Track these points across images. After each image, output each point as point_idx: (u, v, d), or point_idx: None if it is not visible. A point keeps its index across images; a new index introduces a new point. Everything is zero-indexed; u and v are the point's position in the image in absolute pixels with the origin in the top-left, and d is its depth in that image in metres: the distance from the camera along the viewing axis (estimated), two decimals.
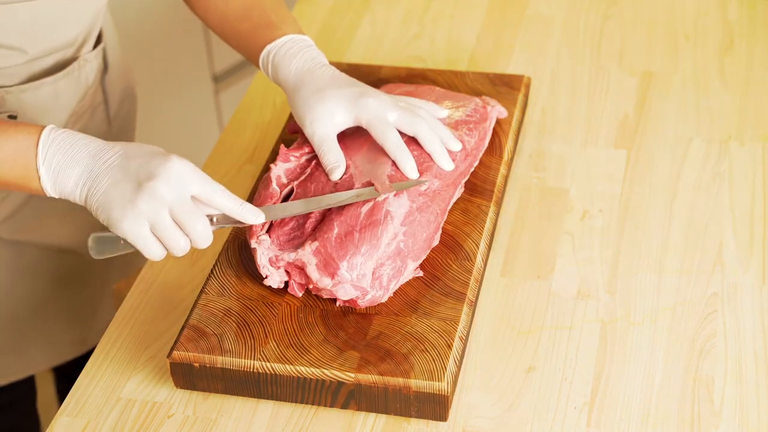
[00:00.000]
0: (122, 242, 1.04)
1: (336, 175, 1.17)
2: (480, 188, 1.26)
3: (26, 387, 1.54)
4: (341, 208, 1.14)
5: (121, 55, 1.45)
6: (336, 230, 1.12)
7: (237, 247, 1.19)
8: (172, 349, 1.09)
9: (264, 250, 1.12)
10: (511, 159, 1.33)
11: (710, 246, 1.24)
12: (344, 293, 1.11)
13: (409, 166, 1.18)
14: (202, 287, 1.16)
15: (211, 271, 1.17)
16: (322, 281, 1.10)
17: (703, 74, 1.49)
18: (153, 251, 1.04)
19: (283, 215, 1.13)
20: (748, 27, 1.57)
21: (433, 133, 1.20)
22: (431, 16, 1.63)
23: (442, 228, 1.20)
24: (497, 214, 1.25)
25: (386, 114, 1.18)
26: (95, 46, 1.32)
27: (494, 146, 1.31)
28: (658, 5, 1.62)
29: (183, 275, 1.24)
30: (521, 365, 1.12)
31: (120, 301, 1.34)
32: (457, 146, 1.22)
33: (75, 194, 1.04)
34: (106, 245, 1.05)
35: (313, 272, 1.10)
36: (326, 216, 1.15)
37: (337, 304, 1.12)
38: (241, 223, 1.08)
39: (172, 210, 1.02)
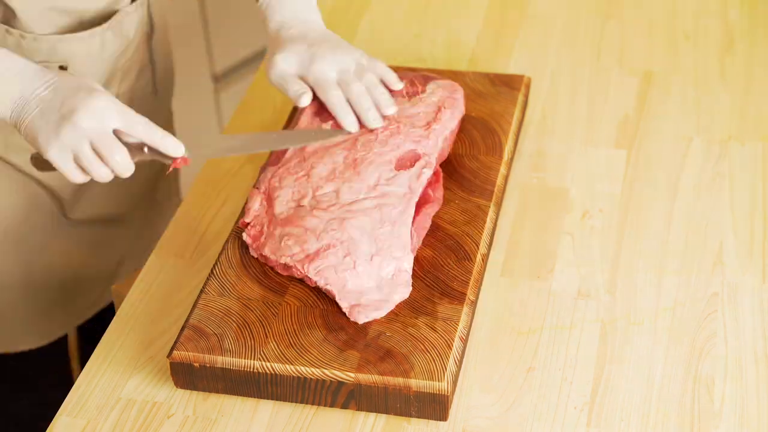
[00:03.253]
0: None
1: (304, 101, 1.25)
2: (480, 188, 1.26)
3: (58, 352, 1.56)
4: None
5: (165, 19, 1.46)
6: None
7: (237, 247, 1.19)
8: (172, 349, 1.09)
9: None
10: (511, 159, 1.33)
11: (710, 246, 1.24)
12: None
13: (348, 121, 1.24)
14: (202, 287, 1.16)
15: (211, 271, 1.17)
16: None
17: (703, 74, 1.49)
18: (75, 177, 1.12)
19: (211, 153, 1.21)
20: (748, 27, 1.57)
21: (363, 95, 1.25)
22: (431, 16, 1.63)
23: (442, 228, 1.20)
24: (497, 214, 1.25)
25: (328, 74, 1.25)
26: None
27: (494, 146, 1.31)
28: (659, 5, 1.62)
29: (183, 275, 1.24)
30: (521, 365, 1.12)
31: (120, 301, 1.34)
32: (390, 110, 1.26)
33: (5, 116, 1.11)
34: (43, 162, 1.14)
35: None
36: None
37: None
38: (166, 156, 1.14)
39: (92, 141, 1.10)
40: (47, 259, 1.44)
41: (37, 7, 1.23)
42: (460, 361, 1.10)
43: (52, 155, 1.10)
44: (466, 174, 1.27)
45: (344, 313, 1.12)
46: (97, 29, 1.28)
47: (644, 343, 1.14)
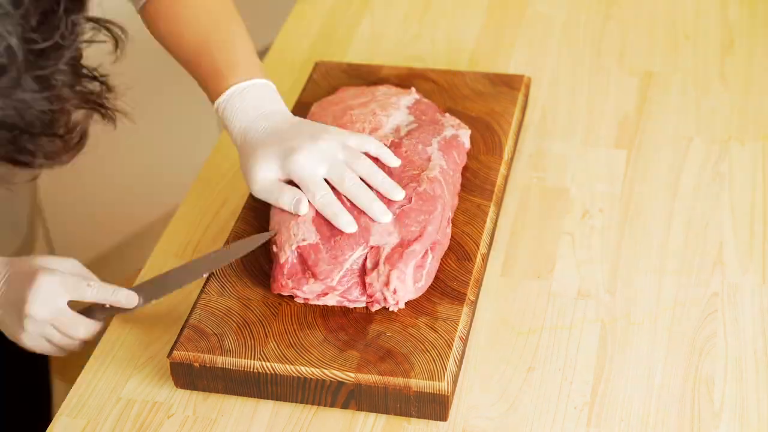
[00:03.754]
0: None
1: (303, 209, 1.14)
2: (480, 188, 1.25)
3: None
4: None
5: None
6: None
7: None
8: (172, 349, 1.09)
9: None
10: (511, 159, 1.33)
11: (710, 246, 1.24)
12: (309, 290, 1.12)
13: (343, 222, 1.13)
14: (202, 287, 1.16)
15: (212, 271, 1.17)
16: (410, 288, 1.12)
17: (703, 74, 1.49)
18: (56, 353, 1.16)
19: (163, 292, 1.16)
20: (748, 27, 1.57)
21: (361, 189, 1.14)
22: (431, 16, 1.63)
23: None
24: (497, 214, 1.25)
25: (315, 170, 1.14)
26: None
27: (494, 146, 1.31)
28: (659, 5, 1.62)
29: None
30: (521, 365, 1.12)
31: None
32: (398, 195, 1.15)
33: None
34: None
35: (410, 276, 1.11)
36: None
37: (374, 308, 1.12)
38: (124, 309, 1.15)
39: (53, 323, 1.12)
40: None
41: None
42: (460, 361, 1.10)
43: (27, 345, 1.14)
44: (466, 174, 1.27)
45: (344, 313, 1.12)
46: None
47: (644, 343, 1.14)
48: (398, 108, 1.28)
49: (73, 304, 1.13)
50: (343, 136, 1.17)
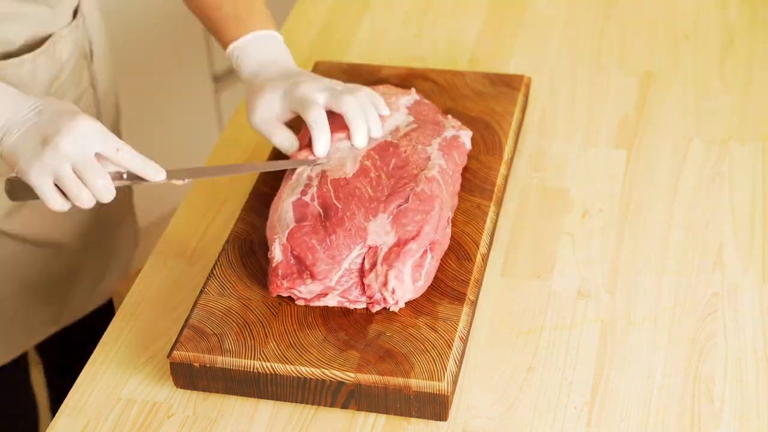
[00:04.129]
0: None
1: (291, 151, 1.22)
2: (480, 188, 1.25)
3: (16, 371, 1.55)
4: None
5: (108, 47, 1.45)
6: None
7: (237, 247, 1.19)
8: (172, 349, 1.09)
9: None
10: (511, 159, 1.33)
11: (710, 246, 1.24)
12: (307, 290, 1.12)
13: (320, 143, 1.20)
14: (202, 287, 1.16)
15: (211, 271, 1.17)
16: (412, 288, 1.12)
17: (703, 74, 1.49)
18: (56, 202, 1.09)
19: (191, 176, 1.17)
20: (748, 27, 1.57)
21: (358, 108, 1.21)
22: (431, 16, 1.63)
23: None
24: (497, 214, 1.25)
25: (315, 96, 1.21)
26: (72, 19, 1.32)
27: (494, 146, 1.31)
28: (659, 5, 1.62)
29: (183, 275, 1.24)
30: (521, 365, 1.12)
31: (120, 300, 1.34)
32: (377, 133, 1.23)
33: None
34: (19, 190, 1.11)
35: (408, 275, 1.11)
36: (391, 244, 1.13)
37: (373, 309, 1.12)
38: (145, 181, 1.13)
39: (74, 165, 1.08)
40: None
41: None
42: (460, 361, 1.10)
43: (33, 177, 1.07)
44: (466, 174, 1.27)
45: (344, 313, 1.12)
46: (27, 56, 1.26)
47: (644, 343, 1.14)
48: (398, 108, 1.28)
49: None
50: (342, 83, 1.25)
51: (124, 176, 1.12)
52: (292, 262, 1.12)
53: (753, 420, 1.07)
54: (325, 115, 1.20)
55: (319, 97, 1.21)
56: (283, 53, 1.27)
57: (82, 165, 1.07)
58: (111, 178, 1.10)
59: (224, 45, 1.28)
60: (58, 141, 1.06)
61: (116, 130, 1.52)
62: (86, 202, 1.09)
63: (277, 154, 1.29)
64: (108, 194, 1.10)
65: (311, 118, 1.20)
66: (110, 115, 1.49)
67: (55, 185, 1.08)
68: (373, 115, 1.23)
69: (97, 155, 1.09)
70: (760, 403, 1.08)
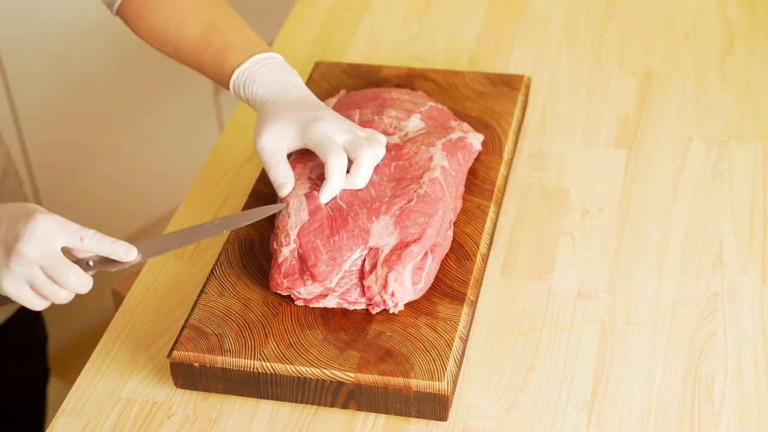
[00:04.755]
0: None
1: (284, 192, 1.17)
2: (480, 188, 1.25)
3: None
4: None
5: None
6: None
7: (237, 247, 1.19)
8: (172, 349, 1.09)
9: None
10: (511, 159, 1.33)
11: (710, 246, 1.24)
12: (307, 291, 1.11)
13: (330, 190, 1.16)
14: (202, 287, 1.16)
15: (211, 271, 1.17)
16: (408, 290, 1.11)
17: (703, 74, 1.49)
18: (35, 304, 1.07)
19: (161, 250, 1.12)
20: (748, 27, 1.57)
21: (372, 161, 1.17)
22: (431, 15, 1.63)
23: None
24: (497, 214, 1.25)
25: (335, 136, 1.17)
26: None
27: (494, 146, 1.31)
28: (658, 5, 1.62)
29: (183, 275, 1.24)
30: (521, 365, 1.12)
31: (120, 301, 1.34)
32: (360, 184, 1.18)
33: None
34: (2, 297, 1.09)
35: (408, 278, 1.11)
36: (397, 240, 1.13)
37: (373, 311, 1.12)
38: (120, 263, 1.09)
39: (42, 267, 1.05)
40: None
41: None
42: (460, 361, 1.10)
43: (7, 289, 1.06)
44: (467, 174, 1.27)
45: (344, 313, 1.12)
46: None
47: (644, 343, 1.14)
48: (412, 115, 1.28)
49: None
50: (356, 126, 1.21)
51: (90, 263, 1.08)
52: (294, 262, 1.12)
53: (753, 420, 1.07)
54: (345, 162, 1.16)
55: (339, 138, 1.17)
56: (291, 74, 1.24)
57: (49, 266, 1.05)
58: (83, 266, 1.08)
59: (225, 77, 1.24)
60: (20, 247, 1.04)
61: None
62: (64, 299, 1.07)
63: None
64: (83, 286, 1.07)
65: (331, 162, 1.15)
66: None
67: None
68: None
69: (64, 249, 1.07)
70: (760, 403, 1.08)
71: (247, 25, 1.27)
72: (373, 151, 1.17)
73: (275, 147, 1.18)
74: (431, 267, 1.13)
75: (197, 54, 1.26)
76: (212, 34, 1.25)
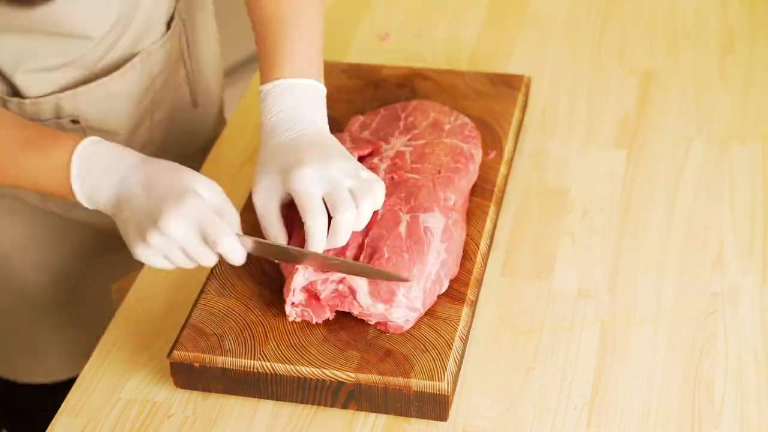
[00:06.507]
0: None
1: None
2: (480, 188, 1.25)
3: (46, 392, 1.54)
4: (380, 231, 1.12)
5: (212, 28, 1.38)
6: (386, 254, 1.10)
7: None
8: (172, 349, 1.09)
9: (304, 275, 1.10)
10: (512, 159, 1.33)
11: (711, 246, 1.24)
12: (398, 317, 1.09)
13: (314, 245, 1.07)
14: (202, 287, 1.16)
15: (211, 270, 1.17)
16: (375, 307, 1.09)
17: (703, 74, 1.49)
18: (166, 266, 1.08)
19: (263, 254, 1.10)
20: (748, 27, 1.57)
21: (350, 226, 1.08)
22: (431, 15, 1.63)
23: None
24: (497, 214, 1.25)
25: (312, 190, 1.07)
26: (166, 30, 1.28)
27: (494, 146, 1.31)
28: (658, 5, 1.62)
29: (183, 275, 1.24)
30: (521, 365, 1.12)
31: (120, 300, 1.34)
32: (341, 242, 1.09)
33: (107, 212, 1.09)
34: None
35: (365, 298, 1.09)
36: (367, 238, 1.12)
37: (372, 321, 1.11)
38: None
39: (183, 247, 1.05)
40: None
41: (33, 69, 1.18)
42: (460, 361, 1.10)
43: (140, 256, 1.06)
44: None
45: (344, 313, 1.12)
46: (105, 79, 1.23)
47: (644, 343, 1.14)
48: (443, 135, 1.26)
49: None
50: (355, 165, 1.11)
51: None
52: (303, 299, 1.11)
53: (753, 420, 1.07)
54: (324, 223, 1.07)
55: (317, 191, 1.07)
56: (311, 109, 1.13)
57: (188, 247, 1.05)
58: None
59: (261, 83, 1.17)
60: (164, 226, 1.03)
61: (217, 113, 1.48)
62: (211, 262, 1.07)
63: None
64: (238, 254, 1.06)
65: (308, 225, 1.07)
66: (211, 100, 1.43)
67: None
68: (363, 222, 1.10)
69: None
70: (761, 403, 1.08)
71: (316, 46, 1.18)
72: (351, 218, 1.07)
73: (267, 204, 1.11)
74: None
75: (256, 42, 1.20)
76: (268, 35, 1.17)
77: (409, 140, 1.24)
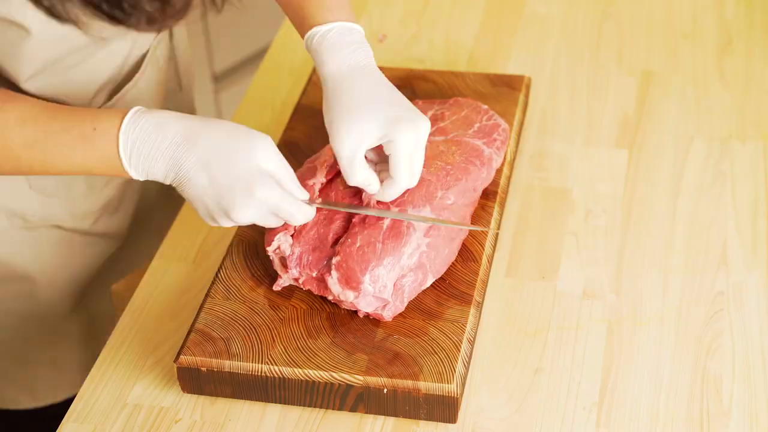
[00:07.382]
0: None
1: (372, 191, 1.13)
2: (483, 189, 1.25)
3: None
4: (364, 221, 1.13)
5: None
6: (358, 243, 1.11)
7: (241, 250, 1.19)
8: (179, 354, 1.09)
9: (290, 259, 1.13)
10: (513, 159, 1.33)
11: (714, 244, 1.24)
12: (366, 305, 1.10)
13: (389, 193, 1.13)
14: (208, 291, 1.15)
15: (216, 274, 1.17)
16: (344, 294, 1.10)
17: (702, 73, 1.49)
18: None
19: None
20: (745, 25, 1.58)
21: (415, 168, 1.13)
22: (429, 16, 1.62)
23: None
24: (501, 215, 1.25)
25: (410, 145, 1.11)
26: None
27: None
28: (656, 4, 1.62)
29: (187, 278, 1.23)
30: (529, 366, 1.12)
31: (119, 301, 1.33)
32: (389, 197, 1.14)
33: (166, 182, 1.07)
34: None
35: (335, 286, 1.10)
36: (349, 228, 1.13)
37: (361, 315, 1.12)
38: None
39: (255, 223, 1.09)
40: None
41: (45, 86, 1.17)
42: (469, 363, 1.09)
43: (238, 219, 1.07)
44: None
45: (352, 316, 1.11)
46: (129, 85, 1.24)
47: (651, 343, 1.14)
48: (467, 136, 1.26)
49: None
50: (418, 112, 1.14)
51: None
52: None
53: (763, 417, 1.07)
54: (415, 178, 1.13)
55: (407, 150, 1.11)
56: (367, 56, 1.14)
57: (263, 221, 1.09)
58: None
59: (302, 29, 1.16)
60: (235, 217, 1.06)
61: (192, 101, 1.48)
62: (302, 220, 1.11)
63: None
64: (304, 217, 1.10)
65: (396, 177, 1.12)
66: (190, 86, 1.44)
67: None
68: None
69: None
70: None
71: None
72: (416, 179, 1.14)
73: (354, 150, 1.10)
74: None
75: None
76: None
77: (430, 134, 1.24)
